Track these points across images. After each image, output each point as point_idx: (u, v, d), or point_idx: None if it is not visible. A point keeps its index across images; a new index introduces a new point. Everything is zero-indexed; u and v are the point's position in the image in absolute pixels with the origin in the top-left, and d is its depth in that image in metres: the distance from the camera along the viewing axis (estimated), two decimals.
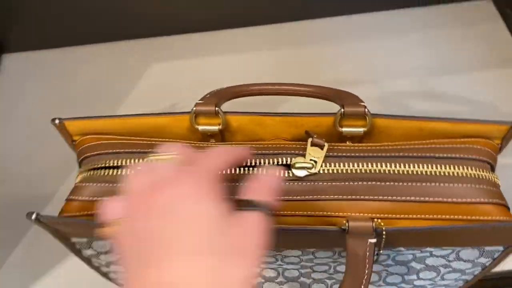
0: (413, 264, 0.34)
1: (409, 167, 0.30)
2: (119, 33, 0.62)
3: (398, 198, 0.29)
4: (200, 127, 0.33)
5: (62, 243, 0.34)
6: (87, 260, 0.38)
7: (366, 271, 0.28)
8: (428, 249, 0.31)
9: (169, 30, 0.63)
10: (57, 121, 0.33)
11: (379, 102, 0.55)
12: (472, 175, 0.29)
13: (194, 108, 0.32)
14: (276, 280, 0.37)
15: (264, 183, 0.24)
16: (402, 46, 0.60)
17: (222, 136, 0.34)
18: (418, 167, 0.29)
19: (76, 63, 0.62)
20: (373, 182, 0.29)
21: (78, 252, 0.36)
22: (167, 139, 0.33)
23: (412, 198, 0.29)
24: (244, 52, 0.61)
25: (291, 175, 0.29)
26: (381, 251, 0.30)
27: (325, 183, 0.29)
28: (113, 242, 0.22)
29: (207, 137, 0.34)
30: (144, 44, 0.63)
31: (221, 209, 0.21)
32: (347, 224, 0.27)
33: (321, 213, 0.29)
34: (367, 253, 0.27)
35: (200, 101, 0.32)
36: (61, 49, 0.63)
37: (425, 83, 0.56)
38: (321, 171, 0.29)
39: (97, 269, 0.40)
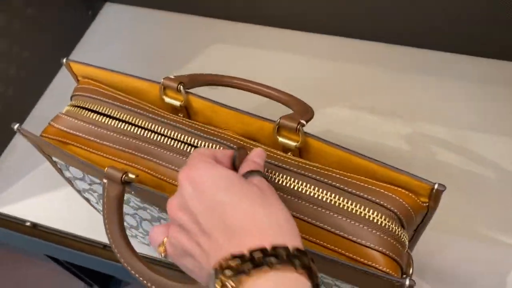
0: None
1: (319, 191, 0.31)
2: (197, 7, 0.70)
3: (295, 214, 0.31)
4: (166, 99, 0.37)
5: (47, 159, 0.41)
6: (70, 182, 0.45)
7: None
8: (327, 276, 0.32)
9: (237, 17, 0.68)
10: (64, 60, 0.39)
11: (404, 139, 0.55)
12: (375, 220, 0.30)
13: (162, 80, 0.36)
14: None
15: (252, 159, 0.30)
16: (452, 92, 0.58)
17: (188, 114, 0.38)
18: (327, 194, 0.31)
19: (157, 25, 0.71)
20: (279, 193, 0.31)
21: (60, 172, 0.43)
22: (145, 103, 0.39)
23: (307, 218, 0.30)
24: (301, 55, 0.64)
25: None
26: None
27: None
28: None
29: (175, 110, 0.38)
30: (217, 24, 0.70)
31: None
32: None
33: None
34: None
35: (171, 77, 0.37)
36: (155, 11, 0.73)
37: (458, 136, 0.54)
38: None
39: (78, 192, 0.47)
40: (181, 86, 0.36)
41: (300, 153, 0.35)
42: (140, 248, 0.50)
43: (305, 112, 0.35)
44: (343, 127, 0.57)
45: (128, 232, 0.48)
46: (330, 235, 0.30)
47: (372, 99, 0.59)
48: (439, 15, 0.58)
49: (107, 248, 0.54)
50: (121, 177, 0.32)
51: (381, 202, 0.30)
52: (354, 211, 0.30)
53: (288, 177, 0.32)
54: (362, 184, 0.31)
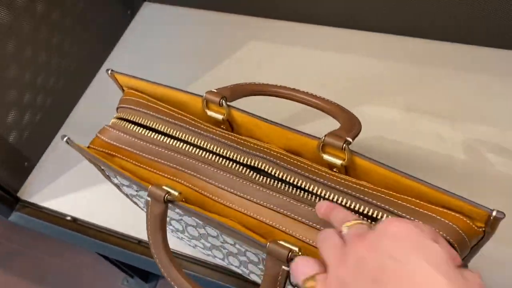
0: None
1: (365, 211, 0.30)
2: (236, 6, 0.69)
3: None
4: (209, 112, 0.37)
5: (95, 166, 0.42)
6: (117, 187, 0.46)
7: None
8: None
9: (275, 14, 0.66)
10: (109, 72, 0.40)
11: (443, 140, 0.52)
12: None
13: (205, 95, 0.36)
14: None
15: None
16: (499, 92, 0.54)
17: (231, 127, 0.38)
18: (373, 212, 0.29)
19: (194, 25, 0.71)
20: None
21: (108, 178, 0.44)
22: (188, 115, 0.38)
23: None
24: (337, 52, 0.62)
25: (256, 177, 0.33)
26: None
27: (282, 197, 0.32)
28: None
29: (217, 123, 0.38)
30: (253, 23, 0.68)
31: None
32: (267, 244, 0.29)
33: (272, 223, 0.32)
34: (279, 277, 0.29)
35: (213, 90, 0.36)
36: (193, 10, 0.73)
37: (505, 138, 0.50)
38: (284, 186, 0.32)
39: (126, 196, 0.48)
40: (223, 101, 0.35)
41: (346, 171, 0.33)
42: (185, 248, 0.51)
43: (351, 126, 0.33)
44: (392, 129, 0.54)
45: (174, 235, 0.50)
46: None
47: (420, 99, 0.56)
48: (489, 11, 0.53)
49: (141, 244, 0.55)
50: (164, 197, 0.33)
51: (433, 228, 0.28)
52: None
53: (332, 194, 0.31)
54: (411, 206, 0.29)
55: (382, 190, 0.31)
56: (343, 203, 0.30)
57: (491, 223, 0.28)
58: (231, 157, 0.34)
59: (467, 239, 0.29)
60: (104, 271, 1.01)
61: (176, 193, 0.33)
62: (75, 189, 0.59)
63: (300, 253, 0.29)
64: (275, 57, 0.64)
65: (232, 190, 0.33)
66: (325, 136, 0.32)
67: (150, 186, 0.34)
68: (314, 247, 0.30)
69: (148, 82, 0.39)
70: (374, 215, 0.29)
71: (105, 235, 0.57)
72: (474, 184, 0.47)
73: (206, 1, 0.71)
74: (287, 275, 0.30)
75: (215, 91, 0.36)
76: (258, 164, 0.33)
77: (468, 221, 0.29)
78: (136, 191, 0.43)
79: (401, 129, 0.54)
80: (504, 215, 0.27)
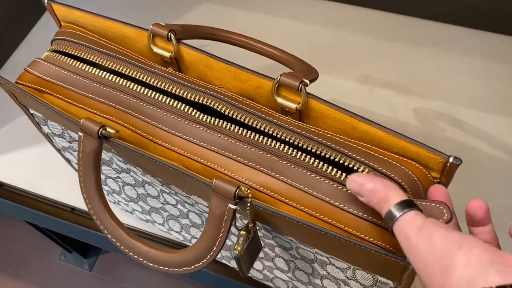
0: (316, 266, 0.33)
1: (319, 150, 0.28)
2: None
3: (288, 180, 0.27)
4: (155, 49, 0.33)
5: (23, 111, 0.38)
6: (49, 139, 0.41)
7: (221, 234, 0.27)
8: (325, 254, 0.30)
9: None
10: (45, 1, 0.35)
11: (397, 109, 0.51)
12: None
13: (151, 27, 0.33)
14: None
15: None
16: (455, 66, 0.55)
17: (179, 68, 0.35)
18: (327, 153, 0.28)
19: None
20: (272, 157, 0.28)
21: (38, 127, 0.40)
22: (132, 52, 0.35)
23: (302, 186, 0.27)
24: (293, 20, 0.60)
25: (213, 122, 0.30)
26: (251, 225, 0.29)
27: (227, 139, 0.29)
28: None
29: (164, 63, 0.34)
30: None
31: None
32: (214, 181, 0.26)
33: (209, 163, 0.29)
34: (225, 216, 0.27)
35: (161, 23, 0.33)
36: None
37: (456, 111, 0.51)
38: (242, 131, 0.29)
39: (59, 151, 0.43)
40: (172, 34, 0.32)
41: (300, 118, 0.31)
42: (121, 217, 0.47)
43: (308, 72, 0.31)
44: (349, 97, 0.53)
45: (110, 198, 0.45)
46: (328, 207, 0.27)
47: (377, 69, 0.55)
48: None
49: (74, 212, 0.51)
50: (98, 131, 0.29)
51: (387, 173, 0.27)
52: None
53: (285, 135, 0.28)
54: (367, 151, 0.28)
55: (339, 135, 0.29)
56: (298, 145, 0.28)
57: (446, 171, 0.27)
58: (175, 92, 0.31)
59: (421, 188, 0.28)
60: (39, 246, 0.94)
61: (112, 130, 0.30)
62: (4, 150, 0.53)
63: (249, 192, 0.27)
64: (230, 22, 0.61)
65: (174, 132, 0.30)
66: (280, 75, 0.30)
67: (83, 119, 0.30)
68: (261, 192, 0.28)
69: (89, 14, 0.35)
70: (332, 158, 0.27)
71: (33, 201, 0.52)
72: None
73: None
74: (233, 214, 0.27)
75: (163, 24, 0.33)
76: (204, 101, 0.30)
77: (423, 170, 0.28)
78: (69, 141, 0.39)
79: (356, 100, 0.53)
80: (461, 161, 0.26)
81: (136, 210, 0.44)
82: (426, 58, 0.56)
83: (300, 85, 0.29)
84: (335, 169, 0.27)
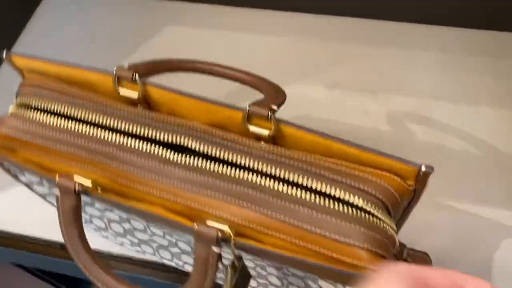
0: (309, 281, 0.33)
1: (296, 177, 0.28)
2: None
3: (269, 212, 0.28)
4: (122, 91, 0.33)
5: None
6: (28, 187, 0.41)
7: (208, 277, 0.28)
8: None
9: None
10: (4, 53, 0.35)
11: (368, 114, 0.52)
12: (351, 215, 0.27)
13: (115, 70, 0.32)
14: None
15: None
16: (419, 64, 0.56)
17: (149, 106, 0.35)
18: (304, 179, 0.28)
19: (108, 10, 0.66)
20: (253, 191, 0.28)
21: (16, 178, 0.39)
22: (100, 96, 0.35)
23: (282, 216, 0.28)
24: (258, 34, 0.61)
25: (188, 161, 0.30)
26: (237, 263, 0.29)
27: (206, 177, 0.29)
28: None
29: (133, 105, 0.34)
30: (167, 5, 0.65)
31: None
32: (195, 226, 0.27)
33: (190, 203, 0.29)
34: (210, 259, 0.27)
35: (123, 66, 0.33)
36: None
37: (426, 108, 0.52)
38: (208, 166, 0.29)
39: (41, 196, 0.43)
40: (136, 75, 0.32)
41: (274, 142, 0.32)
42: (112, 247, 0.47)
43: (276, 95, 0.32)
44: (319, 107, 0.54)
45: (99, 234, 0.45)
46: (311, 236, 0.27)
47: (344, 75, 0.56)
48: None
49: (65, 249, 0.50)
50: (75, 187, 0.29)
51: (368, 190, 0.27)
52: (332, 206, 0.27)
53: (260, 164, 0.29)
54: (343, 169, 0.28)
55: (314, 156, 0.30)
56: (276, 174, 0.28)
57: (420, 179, 0.28)
58: (147, 135, 0.31)
59: (399, 199, 0.29)
60: (24, 285, 0.93)
61: (88, 182, 0.30)
62: None
63: (230, 232, 0.27)
64: (194, 41, 0.61)
65: (151, 176, 0.30)
66: (249, 106, 0.30)
67: (57, 176, 0.30)
68: (245, 226, 0.29)
69: (50, 62, 0.35)
70: (309, 185, 0.28)
71: (21, 242, 0.51)
72: (400, 155, 0.47)
73: None
74: (218, 257, 0.27)
75: (126, 66, 0.33)
76: (177, 140, 0.30)
77: (398, 180, 0.29)
78: (49, 188, 0.39)
79: (327, 107, 0.54)
80: (433, 169, 0.27)
81: (126, 243, 0.44)
82: (390, 58, 0.57)
83: (269, 113, 0.29)
84: (313, 195, 0.27)
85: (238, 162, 0.29)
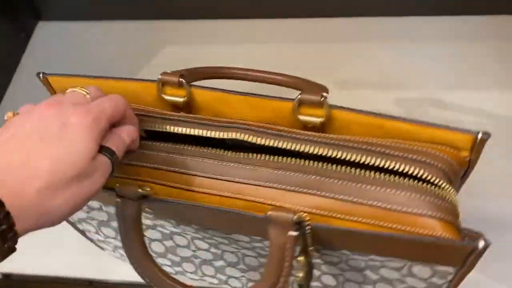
0: (368, 273, 0.33)
1: (360, 157, 0.28)
2: (140, 12, 0.65)
3: (337, 196, 0.28)
4: (166, 97, 0.34)
5: None
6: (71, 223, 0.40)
7: (286, 263, 0.27)
8: (377, 257, 0.30)
9: (186, 15, 0.64)
10: (41, 75, 0.35)
11: (381, 107, 0.53)
12: (418, 187, 0.27)
13: (160, 77, 0.33)
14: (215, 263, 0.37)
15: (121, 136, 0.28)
16: (424, 55, 0.57)
17: (191, 111, 0.35)
18: (368, 158, 0.28)
19: (103, 37, 0.66)
20: (317, 177, 0.28)
21: None
22: (141, 106, 0.35)
23: (351, 198, 0.28)
24: (258, 44, 0.61)
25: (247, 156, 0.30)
26: (311, 248, 0.29)
27: (266, 170, 0.29)
28: None
29: (176, 110, 0.35)
30: (161, 25, 0.65)
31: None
32: (268, 213, 0.26)
33: (252, 198, 0.29)
34: (287, 245, 0.27)
35: (167, 71, 0.33)
36: (93, 22, 0.67)
37: (435, 98, 0.53)
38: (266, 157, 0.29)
39: (72, 225, 0.42)
40: (183, 80, 0.33)
41: (323, 131, 0.32)
42: None
43: (319, 88, 0.33)
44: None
45: None
46: (379, 211, 0.27)
47: (344, 72, 0.57)
48: None
49: (93, 285, 0.48)
50: (137, 192, 0.29)
51: (431, 162, 0.28)
52: (400, 181, 0.28)
53: (321, 149, 0.29)
54: (401, 146, 0.29)
55: (370, 138, 0.30)
56: (337, 156, 0.29)
57: (476, 148, 0.29)
58: (200, 134, 0.31)
59: (458, 169, 0.29)
60: None
61: (148, 189, 0.30)
62: None
63: (306, 216, 0.27)
64: (194, 58, 0.59)
65: (213, 176, 0.30)
66: (300, 94, 0.31)
67: (117, 185, 0.29)
68: (315, 213, 0.28)
69: (90, 78, 0.35)
70: (374, 163, 0.28)
71: (53, 284, 0.48)
72: None
73: (109, 10, 0.65)
74: (295, 241, 0.27)
75: (170, 72, 0.33)
76: (234, 135, 0.30)
77: (454, 151, 0.29)
78: (87, 212, 0.38)
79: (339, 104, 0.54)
80: (489, 135, 0.28)
81: (165, 265, 0.43)
82: (391, 52, 0.58)
83: (322, 99, 0.30)
84: (379, 173, 0.28)
85: (299, 149, 0.29)
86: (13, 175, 0.22)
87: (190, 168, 0.30)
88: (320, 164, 0.29)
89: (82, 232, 0.43)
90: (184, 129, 0.31)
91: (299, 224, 0.26)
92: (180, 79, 0.33)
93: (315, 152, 0.29)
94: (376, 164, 0.28)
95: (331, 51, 0.60)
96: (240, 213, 0.28)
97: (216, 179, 0.30)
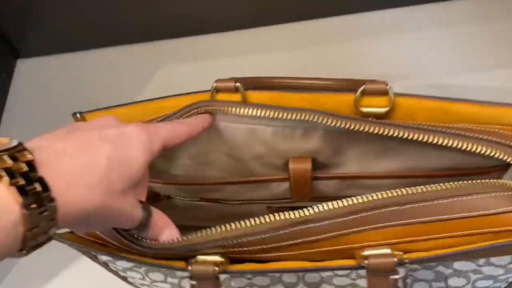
0: (440, 268, 0.32)
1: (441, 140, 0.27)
2: (130, 36, 0.63)
3: (419, 220, 0.26)
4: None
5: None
6: (104, 265, 0.37)
7: None
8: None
9: (180, 32, 0.62)
10: (78, 115, 0.34)
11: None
12: (491, 184, 0.26)
13: (214, 84, 0.32)
14: None
15: None
16: (420, 44, 0.57)
17: None
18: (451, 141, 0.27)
19: (88, 67, 0.63)
20: (391, 208, 0.26)
21: (94, 258, 0.36)
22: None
23: (434, 218, 0.26)
24: (258, 53, 0.60)
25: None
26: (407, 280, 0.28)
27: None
28: None
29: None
30: (154, 47, 0.63)
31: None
32: (365, 261, 0.25)
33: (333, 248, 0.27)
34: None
35: (220, 79, 0.33)
36: (74, 54, 0.64)
37: (443, 83, 0.53)
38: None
39: (115, 273, 0.39)
40: (238, 84, 0.32)
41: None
42: None
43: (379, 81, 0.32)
44: None
45: None
46: (464, 221, 0.26)
47: (348, 70, 0.54)
48: None
49: None
50: (213, 269, 0.26)
51: (506, 142, 0.27)
52: (469, 185, 0.26)
53: (406, 133, 0.27)
54: (478, 128, 0.28)
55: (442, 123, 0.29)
56: (419, 138, 0.27)
57: None
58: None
59: None
60: None
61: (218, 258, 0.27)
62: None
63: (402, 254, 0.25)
64: (192, 76, 0.58)
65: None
66: (364, 85, 0.30)
67: (186, 265, 0.27)
68: (399, 243, 0.26)
69: (134, 104, 0.33)
70: (454, 145, 0.27)
71: None
72: None
73: (93, 38, 0.62)
74: (396, 283, 0.25)
75: (223, 79, 0.33)
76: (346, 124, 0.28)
77: None
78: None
79: None
80: None
81: None
82: (393, 44, 0.57)
83: (387, 86, 0.30)
84: (447, 184, 0.26)
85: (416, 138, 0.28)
86: (68, 165, 0.21)
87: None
88: (388, 193, 0.27)
89: (124, 279, 0.40)
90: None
91: (401, 265, 0.25)
92: (236, 84, 0.32)
93: (414, 138, 0.27)
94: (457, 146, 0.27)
95: (330, 52, 0.58)
96: (333, 267, 0.26)
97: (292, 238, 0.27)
